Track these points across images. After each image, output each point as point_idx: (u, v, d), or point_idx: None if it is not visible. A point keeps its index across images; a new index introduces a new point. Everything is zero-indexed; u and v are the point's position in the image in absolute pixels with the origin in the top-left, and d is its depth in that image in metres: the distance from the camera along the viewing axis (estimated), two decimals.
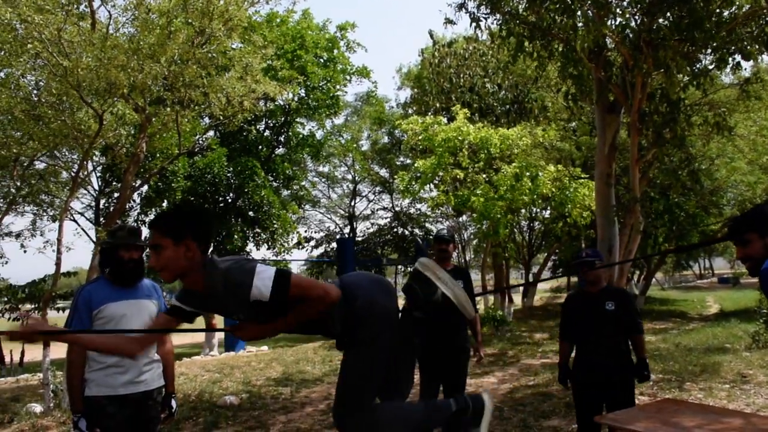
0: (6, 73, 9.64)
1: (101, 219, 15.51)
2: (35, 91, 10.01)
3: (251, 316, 2.37)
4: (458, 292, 2.68)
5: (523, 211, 17.09)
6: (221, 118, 10.94)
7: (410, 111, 20.85)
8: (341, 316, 2.49)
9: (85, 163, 10.47)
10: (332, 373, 10.07)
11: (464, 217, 18.45)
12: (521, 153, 13.96)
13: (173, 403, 3.68)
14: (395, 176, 20.21)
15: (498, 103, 18.96)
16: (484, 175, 13.80)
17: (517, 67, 15.02)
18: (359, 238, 27.00)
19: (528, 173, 13.33)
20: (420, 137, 14.28)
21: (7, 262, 15.42)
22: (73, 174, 11.35)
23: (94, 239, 11.58)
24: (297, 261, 30.74)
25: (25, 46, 8.54)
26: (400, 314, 2.65)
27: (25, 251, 15.62)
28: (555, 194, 13.71)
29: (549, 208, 16.12)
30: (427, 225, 27.22)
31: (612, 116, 8.94)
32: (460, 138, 13.62)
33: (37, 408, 7.65)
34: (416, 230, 26.79)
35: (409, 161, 22.07)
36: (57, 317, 10.98)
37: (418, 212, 27.13)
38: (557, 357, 4.56)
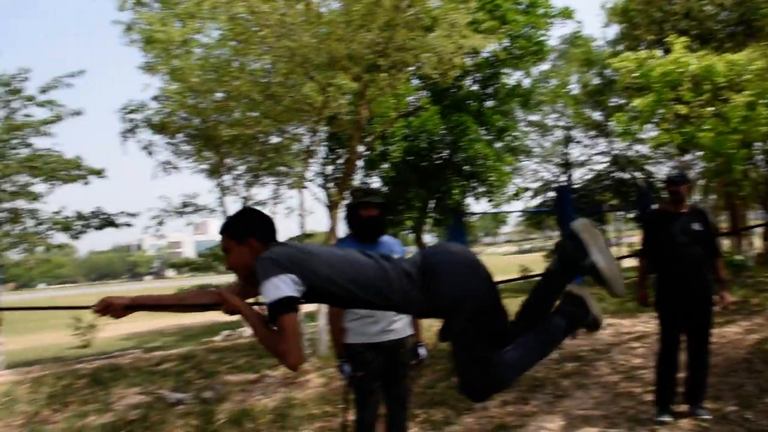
0: (241, 62, 10.77)
1: (328, 185, 16.78)
2: (267, 74, 11.07)
3: None
4: (611, 266, 2.36)
5: (760, 144, 15.20)
6: (434, 76, 11.15)
7: (620, 48, 19.42)
8: (425, 302, 2.34)
9: (315, 134, 11.49)
10: None
11: (689, 156, 16.88)
12: (754, 78, 12.34)
13: (421, 351, 3.94)
14: (610, 118, 19.08)
15: (720, 26, 16.86)
16: (711, 108, 12.47)
17: None
18: (576, 186, 26.02)
19: (763, 101, 11.80)
20: (635, 74, 13.29)
21: None
22: (305, 145, 12.48)
23: (327, 204, 12.61)
24: (515, 212, 30.50)
25: (255, 35, 9.46)
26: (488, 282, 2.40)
27: None
28: None
29: None
30: (647, 167, 25.39)
31: None
32: (679, 70, 12.42)
33: None
34: (637, 173, 25.12)
35: (623, 101, 20.67)
36: None
37: (638, 154, 25.39)
38: None
